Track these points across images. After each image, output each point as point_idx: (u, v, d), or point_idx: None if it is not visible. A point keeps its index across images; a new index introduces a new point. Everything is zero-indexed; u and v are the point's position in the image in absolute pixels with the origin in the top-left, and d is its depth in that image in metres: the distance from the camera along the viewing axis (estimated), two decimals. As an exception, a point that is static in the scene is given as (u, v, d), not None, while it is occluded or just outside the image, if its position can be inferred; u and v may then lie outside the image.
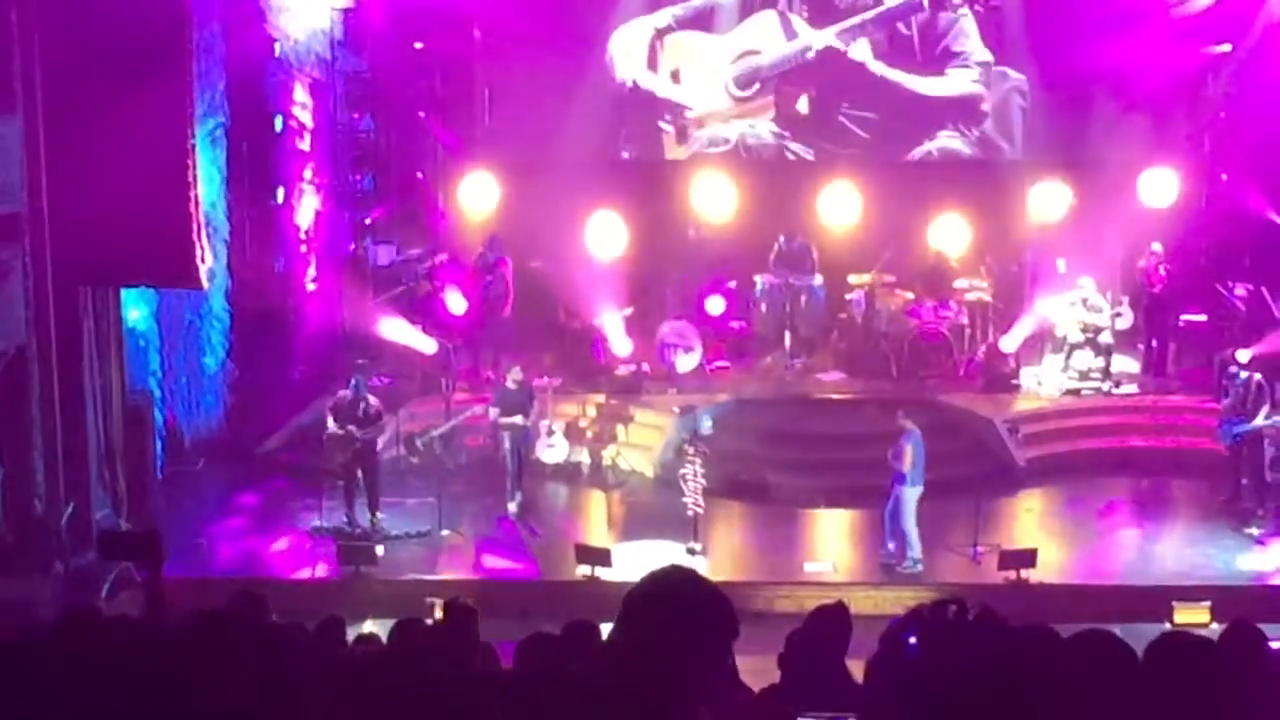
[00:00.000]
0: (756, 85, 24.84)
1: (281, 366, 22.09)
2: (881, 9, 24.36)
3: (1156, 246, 22.82)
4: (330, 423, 18.79)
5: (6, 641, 5.53)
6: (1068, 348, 22.55)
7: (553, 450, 20.96)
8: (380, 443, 19.45)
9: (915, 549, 17.45)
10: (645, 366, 22.62)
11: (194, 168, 17.30)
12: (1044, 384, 22.71)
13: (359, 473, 18.84)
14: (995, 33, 24.41)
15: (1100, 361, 22.47)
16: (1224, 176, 23.90)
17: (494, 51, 24.58)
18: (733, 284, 23.88)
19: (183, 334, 20.83)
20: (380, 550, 17.96)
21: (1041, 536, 18.70)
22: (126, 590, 15.90)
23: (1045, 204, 23.74)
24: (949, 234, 23.78)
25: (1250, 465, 19.20)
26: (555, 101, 23.96)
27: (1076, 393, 22.44)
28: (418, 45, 24.24)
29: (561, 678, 5.35)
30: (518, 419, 19.65)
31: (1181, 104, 24.19)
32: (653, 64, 24.89)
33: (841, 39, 24.38)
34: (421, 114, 24.60)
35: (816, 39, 24.41)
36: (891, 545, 17.64)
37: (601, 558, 17.47)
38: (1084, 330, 22.40)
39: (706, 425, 19.73)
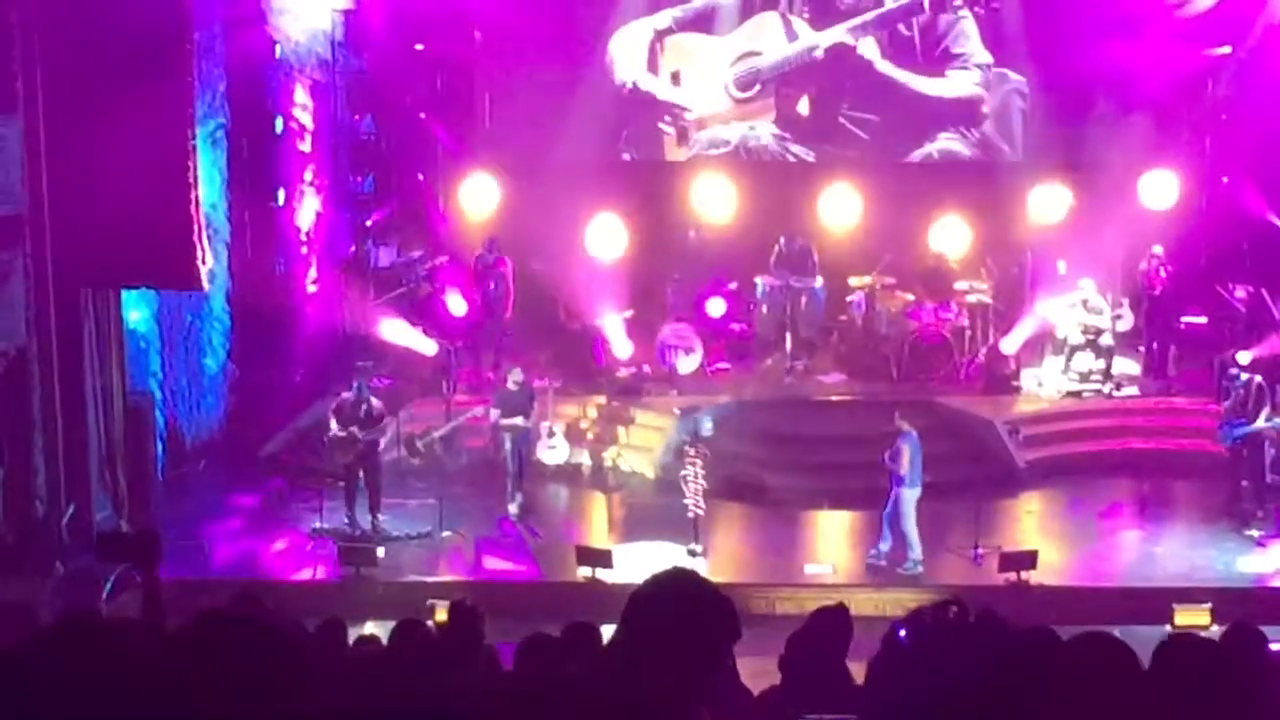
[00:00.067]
0: (757, 87, 24.83)
1: (282, 368, 22.09)
2: (882, 10, 24.36)
3: (1157, 249, 22.82)
4: (333, 424, 18.81)
5: (6, 643, 5.52)
6: (1068, 349, 22.56)
7: (553, 452, 20.97)
8: (381, 444, 19.46)
9: (915, 550, 17.45)
10: (646, 368, 22.62)
11: (195, 169, 17.30)
12: (1044, 386, 22.71)
13: (360, 474, 18.85)
14: (995, 34, 24.40)
15: (1101, 363, 22.48)
16: (1224, 179, 23.89)
17: (495, 53, 24.57)
18: (733, 286, 23.88)
19: (183, 335, 20.83)
20: (381, 552, 17.96)
21: (1042, 538, 18.70)
22: (127, 591, 15.87)
23: (1045, 206, 23.75)
24: (949, 236, 23.79)
25: (1250, 467, 19.21)
26: (556, 103, 23.96)
27: (1077, 394, 22.44)
28: (418, 47, 24.23)
29: (562, 679, 5.35)
30: (519, 420, 19.66)
31: (1182, 106, 24.17)
32: (653, 66, 24.88)
33: (851, 35, 24.37)
34: (422, 115, 24.59)
35: (824, 37, 24.40)
36: (883, 546, 17.63)
37: (602, 559, 17.48)
38: (1084, 332, 22.41)
39: (707, 427, 19.73)
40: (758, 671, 6.63)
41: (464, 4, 23.77)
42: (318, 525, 18.79)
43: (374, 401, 18.97)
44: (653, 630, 4.27)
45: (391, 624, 9.58)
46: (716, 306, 23.65)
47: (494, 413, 19.92)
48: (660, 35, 24.77)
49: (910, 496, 17.45)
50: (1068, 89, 23.80)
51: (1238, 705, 5.06)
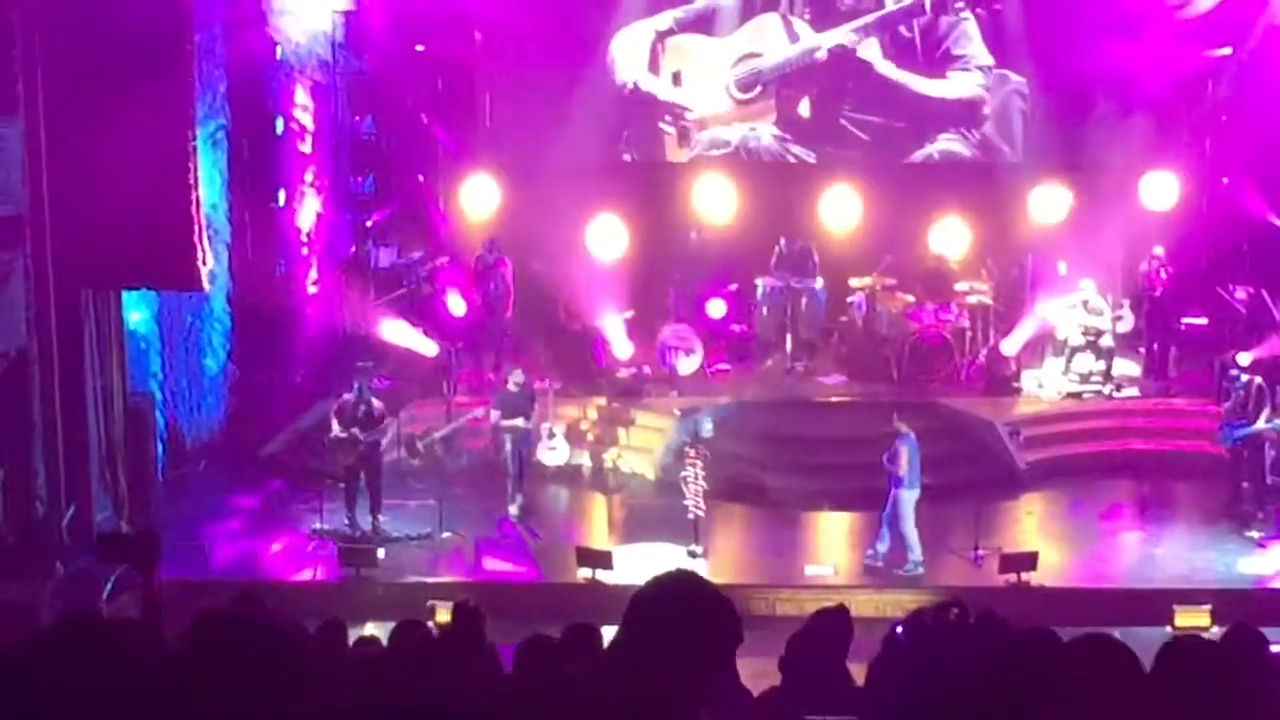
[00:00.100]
0: (758, 88, 24.82)
1: (282, 369, 22.09)
2: (883, 12, 24.35)
3: (1158, 250, 22.83)
4: (334, 426, 18.81)
5: (6, 644, 5.52)
6: (1069, 350, 22.56)
7: (554, 453, 20.97)
8: (383, 445, 19.47)
9: (915, 551, 17.45)
10: (646, 369, 22.62)
11: (195, 170, 17.30)
12: (1045, 387, 22.71)
13: (361, 475, 18.86)
14: (996, 36, 24.39)
15: (1101, 364, 22.48)
16: (1225, 179, 23.89)
17: (495, 54, 24.56)
18: (734, 287, 23.88)
19: (184, 336, 20.84)
20: (381, 553, 17.96)
21: (1042, 539, 18.70)
22: (128, 592, 15.87)
23: (1046, 207, 23.74)
24: (950, 237, 23.78)
25: (1251, 468, 19.21)
26: (556, 104, 23.94)
27: (1077, 395, 22.45)
28: (419, 48, 24.22)
29: (562, 680, 5.35)
30: (519, 421, 19.67)
31: (1182, 107, 24.16)
32: (654, 67, 24.87)
33: (852, 37, 24.36)
34: (423, 116, 24.58)
35: (825, 39, 24.40)
36: (881, 548, 17.62)
37: (602, 560, 17.47)
38: (1085, 333, 22.41)
39: (707, 428, 19.73)
40: (758, 673, 6.62)
41: (464, 5, 23.77)
42: (318, 526, 18.79)
43: (375, 402, 18.97)
44: (654, 632, 4.27)
45: (391, 625, 9.58)
46: (717, 307, 23.65)
47: (494, 414, 19.92)
48: (661, 36, 24.76)
49: (909, 498, 17.46)
50: (1068, 90, 23.79)
51: (1238, 707, 5.06)
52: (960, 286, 23.51)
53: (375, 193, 24.73)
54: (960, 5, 24.34)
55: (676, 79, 24.91)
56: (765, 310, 23.64)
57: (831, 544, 19.28)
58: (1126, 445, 21.61)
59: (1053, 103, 24.17)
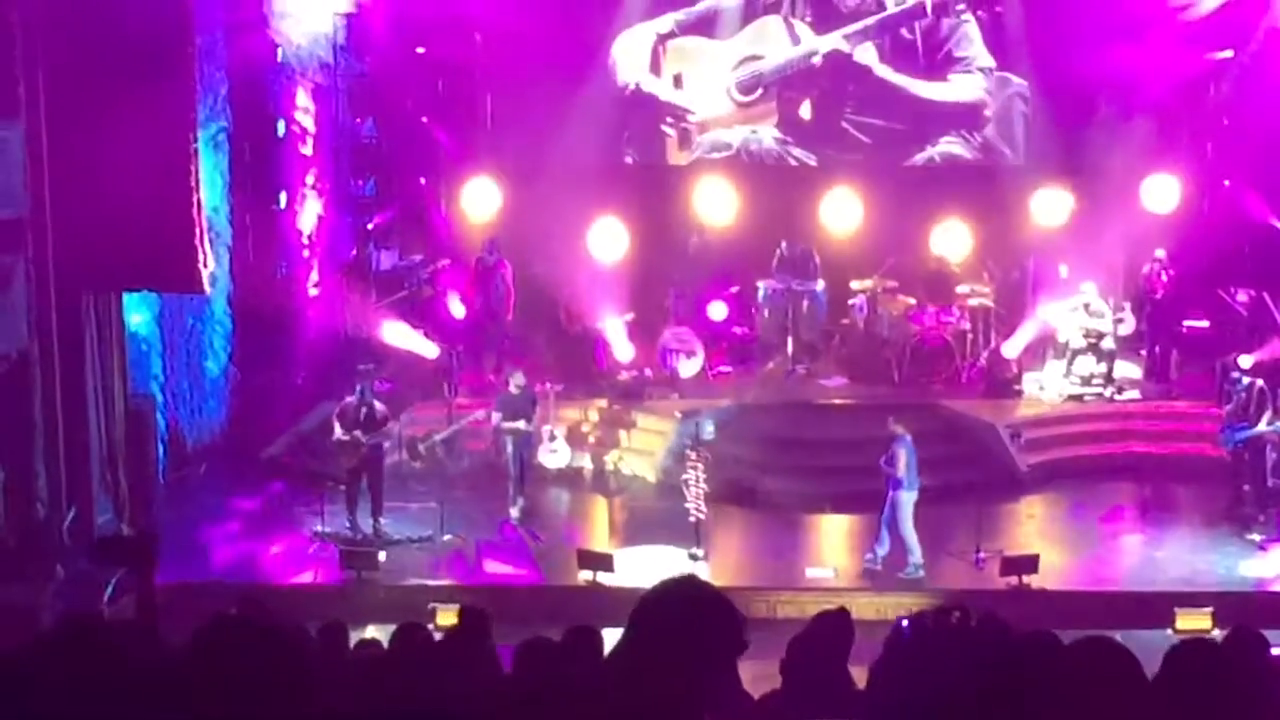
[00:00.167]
0: (759, 91, 24.82)
1: (283, 371, 22.09)
2: (885, 14, 24.35)
3: (1160, 253, 22.83)
4: (337, 428, 18.81)
5: (7, 646, 5.52)
6: (1070, 353, 22.56)
7: (555, 455, 20.96)
8: (385, 447, 19.47)
9: (915, 553, 17.44)
10: (647, 372, 22.62)
11: (196, 172, 17.32)
12: (1046, 389, 22.70)
13: (363, 478, 18.85)
14: (997, 38, 24.38)
15: (1102, 367, 22.48)
16: (1226, 182, 23.87)
17: (496, 56, 24.54)
18: (735, 289, 23.89)
19: (185, 338, 20.83)
20: (382, 555, 17.96)
21: (1043, 542, 18.68)
22: (129, 595, 15.86)
23: (1047, 209, 23.72)
24: (951, 239, 23.77)
25: (1252, 471, 19.21)
26: (557, 107, 23.93)
27: (1079, 398, 22.44)
28: (420, 50, 24.22)
29: (564, 683, 5.35)
30: (520, 424, 19.68)
31: (1184, 110, 24.13)
32: (655, 69, 24.88)
33: (848, 42, 24.36)
34: (424, 119, 24.59)
35: (822, 43, 24.40)
36: (880, 550, 17.60)
37: (604, 563, 17.47)
38: (1086, 336, 22.41)
39: (708, 431, 19.74)
40: (758, 675, 6.61)
41: (465, 7, 23.76)
42: (319, 529, 18.79)
43: (377, 405, 18.97)
44: (659, 636, 4.27)
45: (392, 628, 9.58)
46: (718, 310, 23.66)
47: (495, 416, 19.93)
48: (662, 39, 24.76)
49: (908, 500, 17.45)
50: (1070, 93, 23.78)
51: (1239, 709, 5.05)
52: (961, 289, 23.51)
53: (376, 195, 24.72)
54: (961, 7, 24.34)
55: (677, 81, 24.92)
56: (766, 313, 23.64)
57: (832, 546, 19.28)
58: (1128, 448, 21.61)
59: (1054, 105, 24.16)
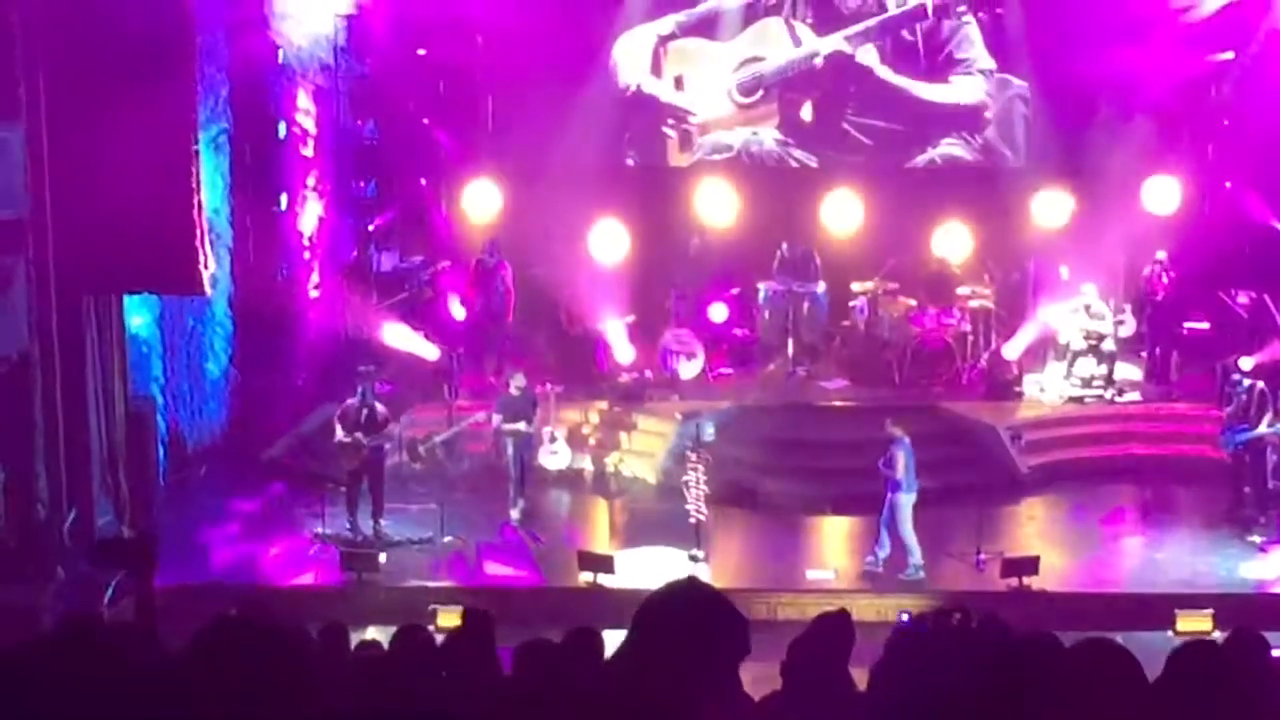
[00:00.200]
0: (760, 92, 24.82)
1: (284, 373, 22.08)
2: (886, 16, 24.35)
3: (1161, 254, 22.83)
4: (338, 430, 18.81)
5: (7, 647, 5.52)
6: (1070, 355, 22.55)
7: (555, 457, 20.97)
8: (387, 449, 19.47)
9: (915, 555, 17.44)
10: (648, 373, 22.61)
11: (197, 174, 17.32)
12: (1047, 391, 22.70)
13: (364, 479, 18.85)
14: (998, 40, 24.38)
15: (1103, 369, 22.47)
16: (1227, 184, 23.87)
17: (497, 58, 24.53)
18: (736, 291, 23.88)
19: (185, 340, 20.83)
20: (383, 557, 17.96)
21: (1044, 544, 18.68)
22: (129, 597, 15.86)
23: (1048, 211, 23.71)
24: (952, 241, 23.76)
25: (1253, 473, 19.21)
26: (558, 108, 23.93)
27: (1079, 400, 22.43)
28: (421, 52, 24.22)
29: (563, 685, 5.35)
30: (521, 425, 19.69)
31: (1185, 111, 24.12)
32: (656, 71, 24.88)
33: (849, 44, 24.37)
34: (425, 120, 24.59)
35: (824, 44, 24.41)
36: (881, 553, 17.59)
37: (604, 565, 17.48)
38: (1087, 337, 22.40)
39: (709, 432, 19.75)
40: (759, 677, 6.61)
41: (466, 9, 23.75)
42: (320, 530, 18.79)
43: (378, 407, 18.97)
44: (663, 638, 4.27)
45: (393, 629, 9.57)
46: (719, 312, 23.65)
47: (496, 418, 19.94)
48: (663, 40, 24.76)
49: (907, 501, 17.45)
50: (1070, 94, 23.77)
51: (1240, 711, 5.05)
52: (962, 291, 23.50)
53: (377, 197, 24.72)
54: (962, 9, 24.34)
55: (678, 83, 24.92)
56: (767, 314, 23.63)
57: (833, 548, 19.28)
58: (1128, 450, 21.61)
59: (1055, 107, 24.15)
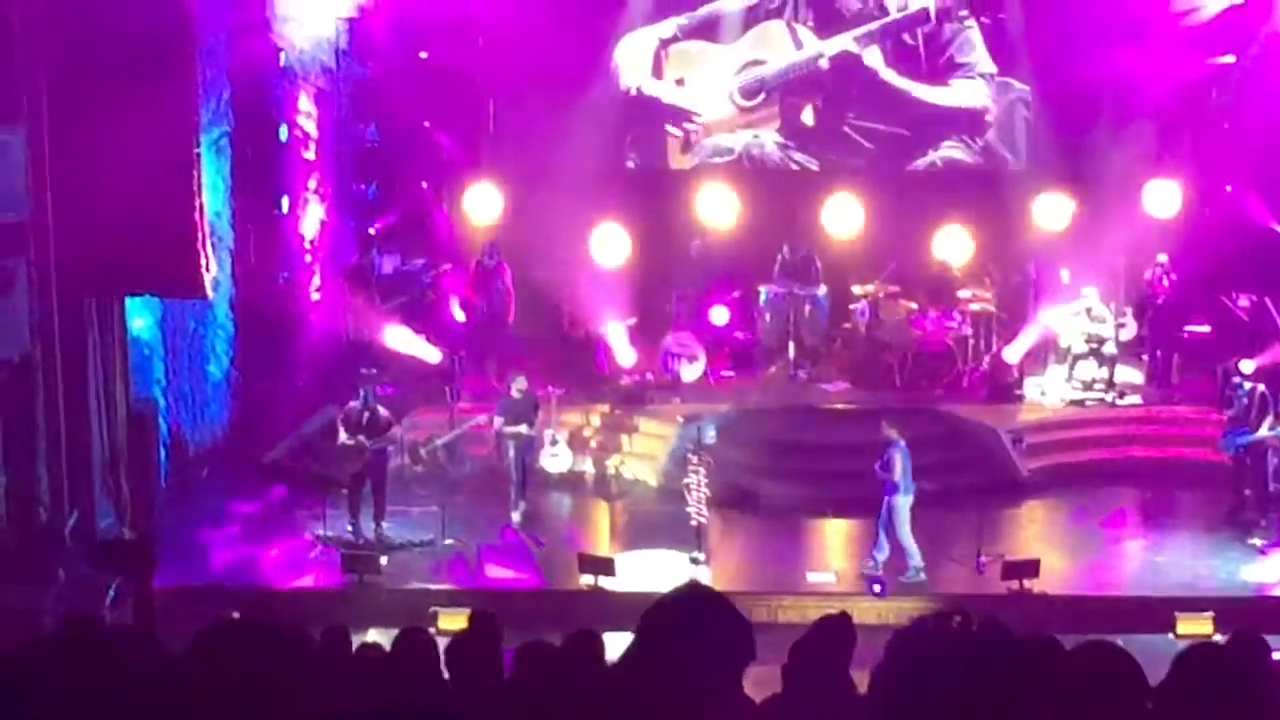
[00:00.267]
0: (761, 95, 24.84)
1: (286, 375, 22.08)
2: (887, 19, 24.37)
3: (1162, 257, 22.85)
4: (341, 433, 18.82)
5: (8, 649, 5.53)
6: (1071, 358, 22.56)
7: (556, 459, 20.97)
8: (390, 452, 19.49)
9: (915, 557, 17.43)
10: (649, 376, 22.63)
11: (199, 176, 17.33)
12: (1048, 394, 22.71)
13: (367, 482, 18.86)
14: (999, 43, 24.41)
15: (1104, 372, 22.48)
16: (1228, 187, 23.88)
17: (498, 61, 24.56)
18: (737, 294, 23.89)
19: (187, 342, 20.82)
20: (384, 559, 17.96)
21: (1045, 547, 18.69)
22: (130, 599, 15.88)
23: (1049, 214, 23.73)
24: (953, 244, 23.77)
25: (1253, 476, 19.22)
26: (560, 111, 23.96)
27: (1080, 403, 22.44)
28: (422, 55, 24.24)
29: (566, 689, 5.35)
30: (522, 428, 19.69)
31: (1185, 115, 24.15)
32: (657, 73, 24.90)
33: (856, 45, 24.38)
34: (426, 123, 24.60)
35: (830, 46, 24.42)
36: (880, 556, 17.58)
37: (605, 567, 17.48)
38: (1088, 341, 22.41)
39: (710, 435, 19.75)
40: (760, 680, 6.61)
41: (468, 11, 23.77)
42: (321, 533, 18.79)
43: (381, 410, 18.97)
44: (669, 644, 4.27)
45: (394, 632, 9.57)
46: (720, 314, 23.65)
47: (498, 420, 19.94)
48: (665, 43, 24.78)
49: (904, 504, 17.44)
50: (1071, 98, 23.79)
51: (1242, 714, 5.06)
52: (963, 294, 23.51)
53: (378, 199, 24.74)
54: (964, 13, 24.37)
55: (680, 86, 24.93)
56: (768, 317, 23.64)
57: (833, 551, 19.28)
58: (1129, 453, 21.62)
59: (1056, 110, 24.18)
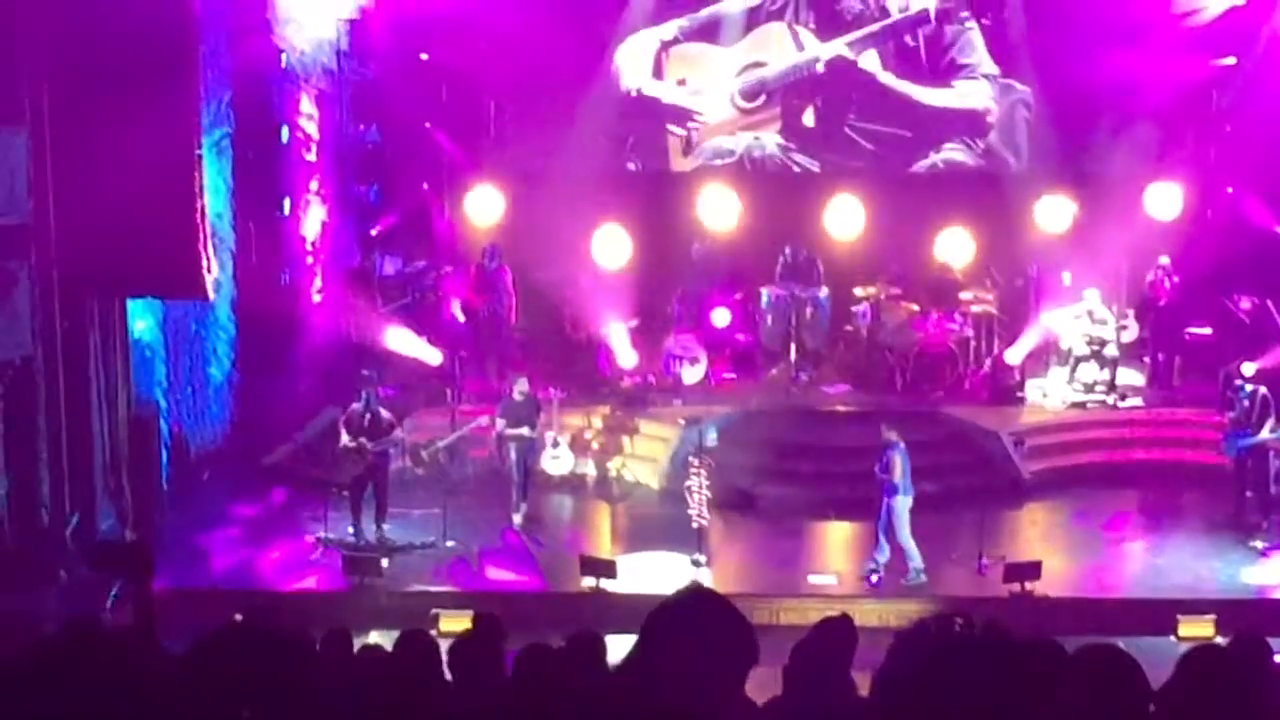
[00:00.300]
0: (762, 97, 24.84)
1: (287, 377, 22.08)
2: (889, 21, 24.37)
3: (1163, 260, 22.84)
4: (343, 436, 18.81)
5: (9, 652, 5.53)
6: (1073, 360, 22.55)
7: (558, 462, 20.96)
8: (392, 454, 19.49)
9: (915, 560, 17.41)
10: (651, 378, 22.63)
11: (200, 178, 17.34)
12: (1049, 396, 22.70)
13: (369, 485, 18.85)
14: (1001, 45, 24.41)
15: (1105, 374, 22.47)
16: (1229, 189, 23.88)
17: (500, 62, 24.55)
18: (738, 296, 23.89)
19: (189, 345, 20.83)
20: (385, 562, 17.95)
21: (1046, 549, 18.69)
22: (130, 601, 15.87)
23: (1050, 216, 23.72)
24: (954, 246, 23.77)
25: (1255, 478, 19.21)
26: (561, 114, 23.97)
27: (1082, 405, 22.43)
28: (423, 56, 24.24)
29: (564, 690, 5.35)
30: (524, 430, 19.69)
31: (1187, 117, 24.15)
32: (658, 75, 24.90)
33: (851, 49, 24.39)
34: (427, 125, 24.61)
35: (825, 50, 24.42)
36: (881, 559, 17.56)
37: (606, 569, 17.47)
38: (1089, 343, 22.40)
39: (712, 437, 19.73)
40: (761, 682, 6.61)
41: (469, 13, 23.76)
42: (322, 535, 18.79)
43: (382, 413, 18.96)
44: (673, 648, 4.27)
45: (395, 634, 9.57)
46: (721, 317, 23.65)
47: (499, 422, 19.94)
48: (666, 45, 24.78)
49: (903, 505, 17.42)
50: (1073, 99, 23.77)
51: (1243, 716, 5.06)
52: (965, 296, 23.50)
53: (380, 201, 24.75)
54: (965, 14, 24.37)
55: (681, 87, 24.92)
56: (770, 319, 23.63)
57: (835, 553, 19.26)
58: (1130, 455, 21.61)
59: (1057, 112, 24.16)
